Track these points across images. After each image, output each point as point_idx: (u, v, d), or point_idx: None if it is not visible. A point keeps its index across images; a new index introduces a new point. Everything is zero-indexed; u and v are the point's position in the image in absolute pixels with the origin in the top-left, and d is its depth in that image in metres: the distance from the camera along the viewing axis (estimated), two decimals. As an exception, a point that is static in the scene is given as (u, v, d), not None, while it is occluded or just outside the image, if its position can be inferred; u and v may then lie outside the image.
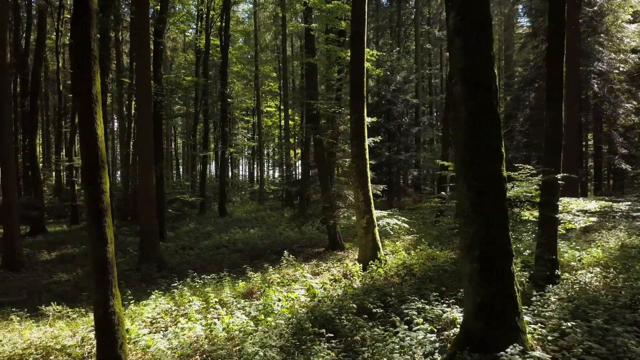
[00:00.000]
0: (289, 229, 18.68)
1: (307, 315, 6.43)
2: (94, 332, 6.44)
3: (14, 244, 13.77)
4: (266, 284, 8.78)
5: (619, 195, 20.19)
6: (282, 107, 38.62)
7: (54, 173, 35.29)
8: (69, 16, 31.27)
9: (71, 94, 28.75)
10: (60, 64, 31.18)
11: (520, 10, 35.31)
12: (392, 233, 12.76)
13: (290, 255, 11.11)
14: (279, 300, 7.30)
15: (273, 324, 6.19)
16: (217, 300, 7.57)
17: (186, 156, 48.97)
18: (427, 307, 6.34)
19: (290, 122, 36.64)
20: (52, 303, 8.01)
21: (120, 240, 17.43)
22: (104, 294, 5.10)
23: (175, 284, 9.15)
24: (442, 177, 21.78)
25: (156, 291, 8.71)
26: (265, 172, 51.81)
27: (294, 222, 19.92)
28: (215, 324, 5.95)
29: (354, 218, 15.20)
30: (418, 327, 5.41)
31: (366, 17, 11.25)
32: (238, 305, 7.26)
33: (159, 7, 19.74)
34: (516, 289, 4.93)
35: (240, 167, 65.38)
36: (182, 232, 20.82)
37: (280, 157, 43.66)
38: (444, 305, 6.45)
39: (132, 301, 8.09)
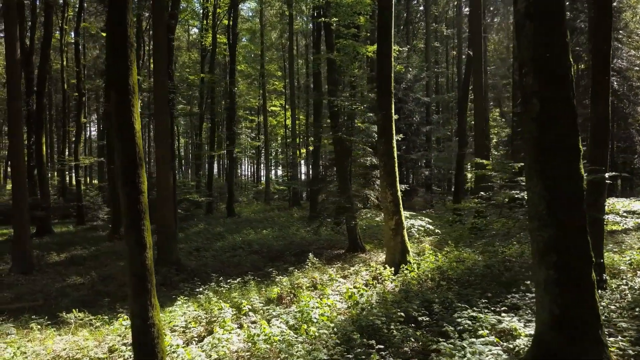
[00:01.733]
0: (302, 230, 18.20)
1: (353, 325, 5.99)
2: (123, 343, 6.01)
3: (25, 245, 13.30)
4: (300, 289, 8.33)
5: (629, 195, 19.75)
6: (287, 106, 38.12)
7: (56, 173, 34.82)
8: (72, 14, 30.83)
9: (76, 93, 28.27)
10: (65, 63, 30.73)
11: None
12: (416, 235, 12.32)
13: (314, 258, 10.68)
14: (315, 307, 6.86)
15: (317, 333, 5.75)
16: (249, 307, 7.12)
17: (189, 155, 48.49)
18: (481, 315, 5.91)
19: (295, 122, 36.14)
20: (73, 310, 7.57)
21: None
22: (143, 305, 4.66)
23: (199, 289, 8.72)
24: (457, 176, 21.41)
25: (180, 296, 8.30)
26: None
27: (307, 223, 19.45)
28: (258, 335, 5.50)
29: (377, 219, 14.79)
30: (482, 339, 4.97)
31: (393, 9, 10.81)
32: (273, 313, 6.83)
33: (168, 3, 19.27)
34: (597, 298, 4.50)
35: (243, 167, 64.92)
36: (192, 232, 20.36)
37: (286, 156, 43.18)
38: (503, 314, 6.00)
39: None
